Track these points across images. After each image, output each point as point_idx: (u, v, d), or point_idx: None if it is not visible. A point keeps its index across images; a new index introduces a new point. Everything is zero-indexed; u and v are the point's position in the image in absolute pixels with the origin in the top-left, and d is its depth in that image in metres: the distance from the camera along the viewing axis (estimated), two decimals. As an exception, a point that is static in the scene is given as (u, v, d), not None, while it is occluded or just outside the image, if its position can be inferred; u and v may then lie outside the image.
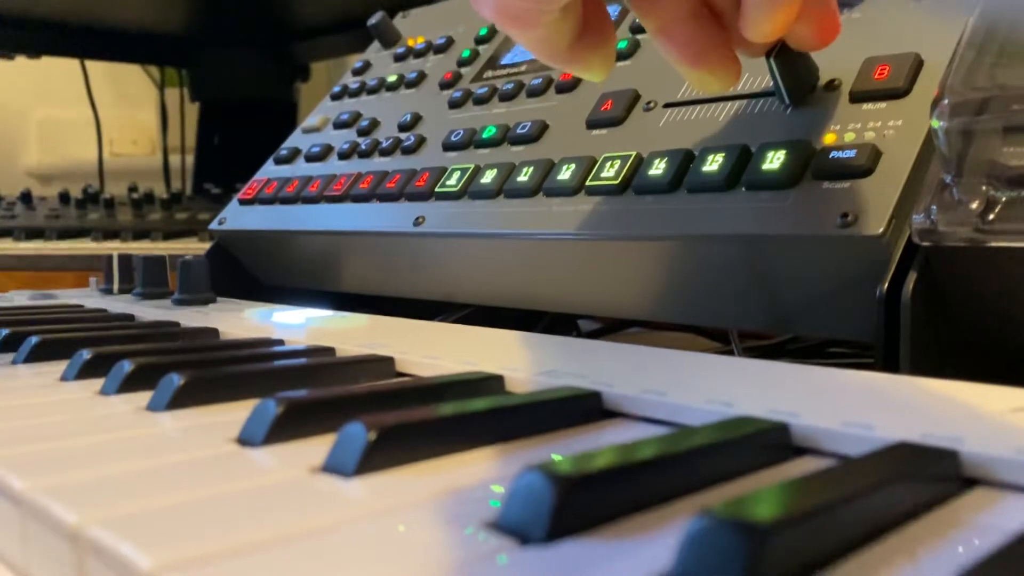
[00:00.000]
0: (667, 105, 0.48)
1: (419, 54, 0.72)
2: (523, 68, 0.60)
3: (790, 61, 0.40)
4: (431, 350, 0.38)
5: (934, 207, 0.32)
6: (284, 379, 0.34)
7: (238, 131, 1.45)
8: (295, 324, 0.49)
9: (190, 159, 1.52)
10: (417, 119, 0.64)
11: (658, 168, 0.43)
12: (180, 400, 0.31)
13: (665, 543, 0.18)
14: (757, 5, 0.35)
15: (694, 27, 0.37)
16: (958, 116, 0.32)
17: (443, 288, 0.57)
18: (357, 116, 0.70)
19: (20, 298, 0.67)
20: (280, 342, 0.43)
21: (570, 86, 0.55)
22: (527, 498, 0.19)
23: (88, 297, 0.67)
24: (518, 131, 0.54)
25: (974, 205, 0.31)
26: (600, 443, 0.27)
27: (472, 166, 0.54)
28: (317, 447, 0.25)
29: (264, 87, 1.45)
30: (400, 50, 0.74)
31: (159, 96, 1.57)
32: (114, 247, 1.04)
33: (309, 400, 0.28)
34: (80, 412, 0.31)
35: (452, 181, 0.54)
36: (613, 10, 0.57)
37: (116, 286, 0.68)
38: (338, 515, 0.20)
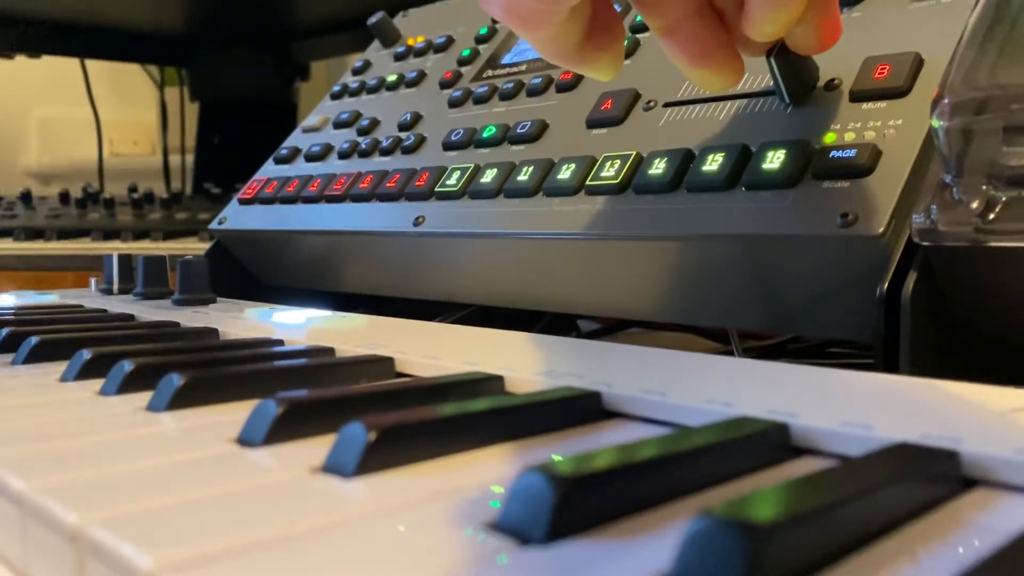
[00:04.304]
0: (667, 104, 0.48)
1: (419, 53, 0.72)
2: (523, 67, 0.60)
3: (790, 61, 0.40)
4: (431, 350, 0.38)
5: (934, 207, 0.32)
6: (284, 379, 0.34)
7: (238, 131, 1.45)
8: (295, 324, 0.49)
9: (190, 159, 1.52)
10: (417, 118, 0.64)
11: (658, 168, 0.43)
12: (180, 400, 0.31)
13: (665, 543, 0.18)
14: (760, 6, 0.35)
15: (698, 25, 0.37)
16: (958, 116, 0.32)
17: (443, 288, 0.57)
18: (357, 115, 0.70)
19: (20, 298, 0.67)
20: (280, 342, 0.43)
21: (570, 85, 0.55)
22: (527, 498, 0.19)
23: (88, 297, 0.67)
24: (518, 130, 0.54)
25: (974, 205, 0.31)
26: (600, 443, 0.27)
27: (472, 166, 0.54)
28: (317, 447, 0.25)
29: (264, 87, 1.45)
30: (400, 49, 0.74)
31: (159, 96, 1.57)
32: (114, 247, 1.04)
33: (309, 400, 0.28)
34: (80, 412, 0.31)
35: (452, 181, 0.54)
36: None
37: (116, 286, 0.68)
38: (338, 515, 0.20)
